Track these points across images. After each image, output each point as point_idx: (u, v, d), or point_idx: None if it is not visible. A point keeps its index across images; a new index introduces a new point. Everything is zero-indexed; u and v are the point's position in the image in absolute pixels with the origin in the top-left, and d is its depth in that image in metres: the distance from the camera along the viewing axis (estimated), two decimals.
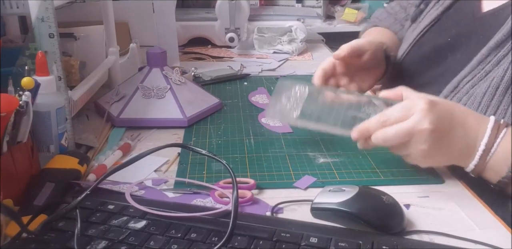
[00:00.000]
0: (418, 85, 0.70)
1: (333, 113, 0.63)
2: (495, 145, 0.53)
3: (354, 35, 0.97)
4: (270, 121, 0.78)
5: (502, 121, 0.55)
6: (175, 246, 0.45)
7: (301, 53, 1.27)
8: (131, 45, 0.97)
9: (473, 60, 0.64)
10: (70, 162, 0.59)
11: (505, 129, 0.54)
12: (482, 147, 0.53)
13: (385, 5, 1.06)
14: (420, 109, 0.53)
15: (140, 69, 0.84)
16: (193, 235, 0.46)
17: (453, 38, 0.72)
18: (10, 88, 0.55)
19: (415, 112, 0.53)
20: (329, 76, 0.73)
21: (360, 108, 0.63)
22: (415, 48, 0.80)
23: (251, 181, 0.58)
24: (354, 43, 0.73)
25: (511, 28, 0.61)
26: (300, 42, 1.27)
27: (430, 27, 0.79)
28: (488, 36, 0.64)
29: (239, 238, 0.46)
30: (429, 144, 0.53)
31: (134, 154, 0.67)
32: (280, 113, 0.65)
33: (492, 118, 0.55)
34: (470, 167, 0.55)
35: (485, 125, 0.54)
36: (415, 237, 0.49)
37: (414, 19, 0.85)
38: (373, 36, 0.93)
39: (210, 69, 1.06)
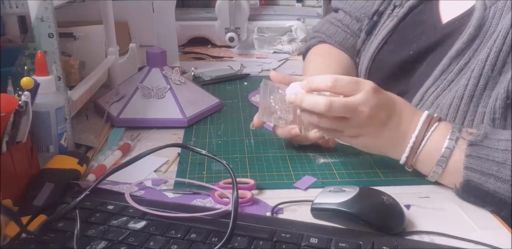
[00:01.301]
0: None
1: None
2: (425, 138, 0.55)
3: None
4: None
5: (435, 115, 0.57)
6: (175, 247, 0.45)
7: (301, 53, 1.27)
8: (130, 45, 0.97)
9: (435, 71, 0.64)
10: (69, 162, 0.59)
11: (436, 123, 0.55)
12: (412, 139, 0.55)
13: (327, 16, 0.98)
14: (367, 90, 0.53)
15: (140, 69, 0.84)
16: (193, 236, 0.46)
17: (416, 51, 0.71)
18: (10, 88, 0.55)
19: (362, 90, 0.53)
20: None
21: None
22: (375, 63, 0.78)
23: (251, 182, 0.58)
24: (294, 76, 0.69)
25: (470, 36, 0.61)
26: (300, 42, 1.27)
27: (388, 39, 0.77)
28: (451, 46, 0.64)
29: (239, 238, 0.46)
30: (363, 128, 0.54)
31: (133, 154, 0.67)
32: (273, 117, 0.65)
33: (426, 112, 0.56)
34: (402, 159, 0.56)
35: (418, 118, 0.56)
36: (415, 237, 0.49)
37: (368, 32, 0.83)
38: (320, 65, 0.86)
39: (210, 69, 1.06)
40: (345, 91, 0.53)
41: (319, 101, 0.52)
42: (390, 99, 0.56)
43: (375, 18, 0.82)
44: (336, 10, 0.95)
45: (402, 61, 0.73)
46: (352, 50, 0.89)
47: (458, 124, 0.58)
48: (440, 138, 0.55)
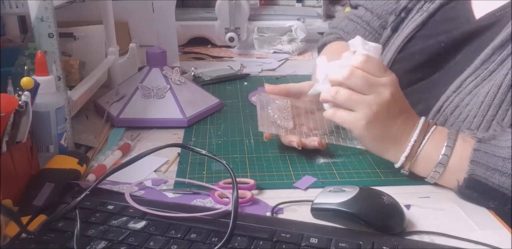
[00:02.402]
0: (412, 91, 0.69)
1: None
2: (425, 138, 0.56)
3: None
4: None
5: (431, 121, 0.58)
6: (175, 247, 0.45)
7: (301, 53, 1.27)
8: (130, 45, 0.97)
9: (476, 60, 0.64)
10: (69, 162, 0.59)
11: (433, 127, 0.57)
12: (414, 137, 0.56)
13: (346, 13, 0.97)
14: (392, 78, 0.55)
15: (140, 69, 0.84)
16: (193, 236, 0.46)
17: (448, 43, 0.71)
18: (10, 88, 0.55)
19: (388, 76, 0.55)
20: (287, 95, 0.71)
21: None
22: (401, 55, 0.78)
23: (251, 182, 0.58)
24: (289, 85, 0.71)
25: None
26: (300, 41, 1.27)
27: (415, 34, 0.77)
28: (491, 38, 0.64)
29: (239, 238, 0.46)
30: (377, 112, 0.54)
31: (133, 154, 0.67)
32: (273, 126, 0.66)
33: (423, 118, 0.58)
34: (401, 159, 0.56)
35: (417, 122, 0.57)
36: (415, 237, 0.49)
37: (395, 28, 0.82)
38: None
39: (210, 69, 1.06)
40: (373, 71, 0.54)
41: (343, 69, 0.54)
42: (404, 98, 0.57)
43: (403, 14, 0.82)
44: (355, 7, 0.95)
45: (432, 53, 0.73)
46: None
47: (490, 113, 0.59)
48: (439, 138, 0.55)
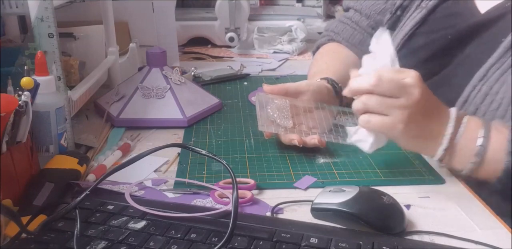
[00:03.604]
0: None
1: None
2: (459, 131, 0.55)
3: None
4: None
5: (461, 112, 0.57)
6: (175, 247, 0.45)
7: (301, 53, 1.27)
8: (130, 45, 0.97)
9: (499, 48, 0.63)
10: (69, 162, 0.59)
11: (466, 117, 0.56)
12: (449, 130, 0.55)
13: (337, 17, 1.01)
14: (414, 75, 0.54)
15: (140, 69, 0.84)
16: (193, 236, 0.46)
17: (454, 37, 0.71)
18: (10, 88, 0.55)
19: (410, 75, 0.54)
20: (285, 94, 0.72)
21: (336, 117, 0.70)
22: (402, 52, 0.78)
23: (251, 181, 0.58)
24: (287, 85, 0.71)
25: None
26: (300, 41, 1.27)
27: (415, 31, 0.77)
28: (504, 27, 0.64)
29: (239, 238, 0.46)
30: (410, 114, 0.54)
31: (133, 154, 0.67)
32: (273, 125, 0.66)
33: (454, 108, 0.57)
34: (439, 152, 0.56)
35: (448, 113, 0.57)
36: (415, 237, 0.49)
37: (391, 27, 0.83)
38: (322, 65, 0.87)
39: (210, 69, 1.06)
40: (395, 74, 0.54)
41: (368, 78, 0.54)
42: (431, 92, 0.57)
43: (398, 12, 0.82)
44: (347, 10, 0.96)
45: (437, 48, 0.73)
46: (360, 46, 0.90)
47: None
48: (474, 128, 0.55)
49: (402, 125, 0.54)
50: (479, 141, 0.54)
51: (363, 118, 0.57)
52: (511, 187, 0.54)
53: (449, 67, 0.72)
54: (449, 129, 0.55)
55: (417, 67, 0.74)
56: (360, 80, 0.56)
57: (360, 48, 0.90)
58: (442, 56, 0.73)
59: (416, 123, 0.55)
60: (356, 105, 0.57)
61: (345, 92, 0.58)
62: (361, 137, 0.58)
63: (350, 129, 0.61)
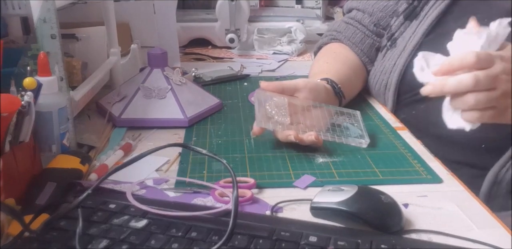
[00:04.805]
0: None
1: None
2: None
3: None
4: None
5: None
6: (176, 245, 0.45)
7: (300, 53, 1.28)
8: (132, 46, 0.98)
9: None
10: (71, 162, 0.59)
11: None
12: None
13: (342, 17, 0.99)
14: (502, 57, 0.53)
15: (141, 69, 0.84)
16: (194, 234, 0.47)
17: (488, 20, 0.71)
18: (12, 88, 0.56)
19: (496, 59, 0.53)
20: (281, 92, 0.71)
21: (334, 116, 0.72)
22: (430, 37, 0.78)
23: (251, 181, 0.58)
24: (284, 82, 0.71)
25: None
26: (300, 43, 1.28)
27: (441, 18, 0.77)
28: None
29: (239, 237, 0.46)
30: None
31: (135, 154, 0.67)
32: (271, 122, 0.66)
33: None
34: None
35: None
36: (413, 236, 0.49)
37: (407, 16, 0.83)
38: (323, 65, 0.86)
39: (210, 70, 1.07)
40: (484, 65, 0.53)
41: (463, 79, 0.52)
42: None
43: (415, 3, 0.82)
44: (349, 11, 0.96)
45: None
46: (361, 45, 0.90)
47: None
48: None
49: None
50: None
51: (472, 115, 0.54)
52: None
53: None
54: None
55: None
56: (455, 83, 0.52)
57: (361, 47, 0.90)
58: None
59: None
60: (461, 104, 0.54)
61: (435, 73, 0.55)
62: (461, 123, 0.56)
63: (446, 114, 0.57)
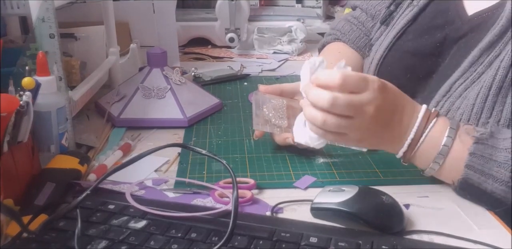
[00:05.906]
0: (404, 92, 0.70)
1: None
2: (423, 135, 0.54)
3: None
4: None
5: (433, 110, 0.56)
6: (175, 246, 0.45)
7: (301, 53, 1.27)
8: (131, 45, 0.97)
9: (464, 62, 0.63)
10: (70, 162, 0.59)
11: (435, 119, 0.55)
12: (411, 135, 0.54)
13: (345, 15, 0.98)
14: (374, 88, 0.52)
15: (141, 69, 0.84)
16: (193, 235, 0.46)
17: (438, 44, 0.71)
18: (11, 88, 0.55)
19: (370, 88, 0.52)
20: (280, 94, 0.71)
21: None
22: (392, 53, 0.78)
23: (251, 181, 0.58)
24: (283, 85, 0.71)
25: (502, 27, 0.61)
26: (300, 42, 1.27)
27: (406, 29, 0.77)
28: (479, 39, 0.64)
29: (239, 237, 0.46)
30: (367, 130, 0.53)
31: (134, 154, 0.67)
32: (268, 125, 0.66)
33: (424, 106, 0.56)
34: (399, 154, 0.56)
35: (417, 114, 0.55)
36: (414, 237, 0.49)
37: (383, 21, 0.82)
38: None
39: (210, 69, 1.06)
40: (353, 89, 0.52)
41: (323, 96, 0.51)
42: (394, 96, 0.55)
43: (392, 7, 0.82)
44: (354, 8, 0.96)
45: (422, 52, 0.72)
46: (364, 49, 0.89)
47: (485, 116, 0.57)
48: (438, 135, 0.54)
49: (357, 142, 0.55)
50: (444, 141, 0.53)
51: (318, 132, 0.55)
52: (468, 196, 0.55)
53: (423, 74, 0.72)
54: (411, 134, 0.54)
55: (400, 68, 0.74)
56: (315, 96, 0.52)
57: (365, 51, 0.90)
58: (425, 61, 0.72)
59: (373, 134, 0.54)
60: (312, 126, 0.54)
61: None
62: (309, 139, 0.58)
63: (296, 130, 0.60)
